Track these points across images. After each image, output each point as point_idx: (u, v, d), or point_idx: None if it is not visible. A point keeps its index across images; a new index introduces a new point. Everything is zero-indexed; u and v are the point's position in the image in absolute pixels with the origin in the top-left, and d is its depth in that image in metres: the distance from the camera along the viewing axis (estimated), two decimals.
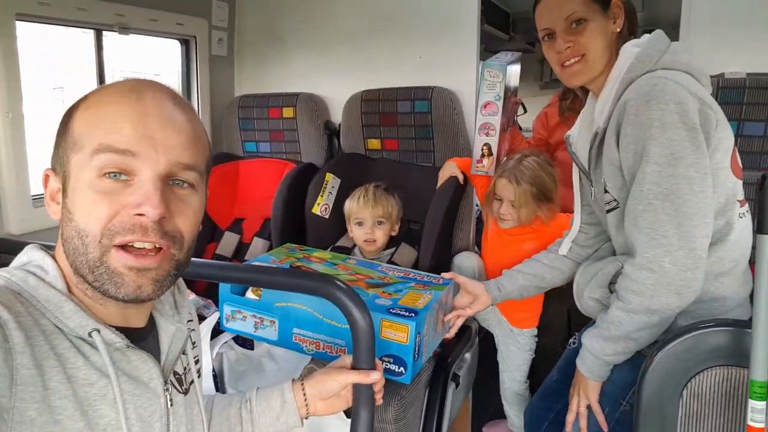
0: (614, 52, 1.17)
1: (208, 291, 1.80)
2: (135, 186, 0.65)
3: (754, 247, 0.96)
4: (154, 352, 0.75)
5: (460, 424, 1.95)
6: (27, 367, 0.60)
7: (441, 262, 1.80)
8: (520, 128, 2.41)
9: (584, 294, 1.27)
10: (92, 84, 1.97)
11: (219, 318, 1.49)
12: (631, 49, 1.14)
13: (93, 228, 0.64)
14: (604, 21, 1.16)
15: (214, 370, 1.44)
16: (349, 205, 1.83)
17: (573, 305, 1.34)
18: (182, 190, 0.69)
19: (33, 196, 1.67)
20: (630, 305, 1.10)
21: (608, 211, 1.21)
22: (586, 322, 1.34)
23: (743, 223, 1.14)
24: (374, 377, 0.95)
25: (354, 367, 0.96)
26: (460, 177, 1.85)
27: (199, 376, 0.87)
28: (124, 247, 0.65)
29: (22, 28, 1.62)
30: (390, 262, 1.80)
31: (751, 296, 1.04)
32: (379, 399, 1.00)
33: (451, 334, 1.51)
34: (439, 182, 1.88)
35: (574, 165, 1.33)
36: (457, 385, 1.68)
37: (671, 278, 1.05)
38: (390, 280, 1.47)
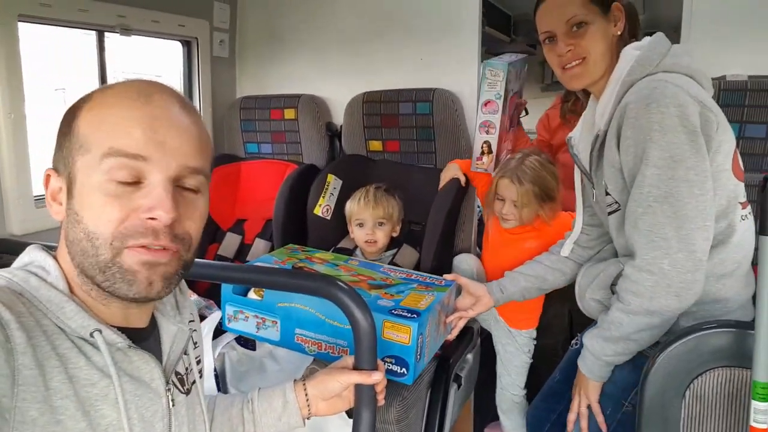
0: (615, 55, 1.17)
1: (210, 292, 1.79)
2: (146, 190, 0.65)
3: (756, 249, 0.96)
4: (156, 352, 0.75)
5: (462, 425, 1.95)
6: (29, 367, 0.60)
7: (443, 263, 1.79)
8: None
9: (586, 295, 1.27)
10: (94, 85, 1.96)
11: (221, 318, 1.49)
12: (631, 51, 1.14)
13: (104, 230, 0.64)
14: (605, 24, 1.16)
15: (216, 371, 1.45)
16: (350, 206, 1.84)
17: (574, 306, 1.34)
18: (190, 193, 0.69)
19: (35, 196, 1.68)
20: (630, 306, 1.10)
21: (609, 213, 1.21)
22: (588, 322, 1.34)
23: (745, 225, 1.14)
24: (376, 378, 0.95)
25: (356, 368, 0.96)
26: (462, 179, 1.85)
27: (201, 377, 0.87)
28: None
29: (24, 30, 1.62)
30: (392, 263, 1.80)
31: (754, 298, 1.04)
32: (381, 400, 0.99)
33: (452, 335, 1.51)
34: (441, 184, 1.88)
35: (575, 167, 1.33)
36: (459, 386, 1.68)
37: (671, 280, 1.05)
38: (392, 281, 1.47)
